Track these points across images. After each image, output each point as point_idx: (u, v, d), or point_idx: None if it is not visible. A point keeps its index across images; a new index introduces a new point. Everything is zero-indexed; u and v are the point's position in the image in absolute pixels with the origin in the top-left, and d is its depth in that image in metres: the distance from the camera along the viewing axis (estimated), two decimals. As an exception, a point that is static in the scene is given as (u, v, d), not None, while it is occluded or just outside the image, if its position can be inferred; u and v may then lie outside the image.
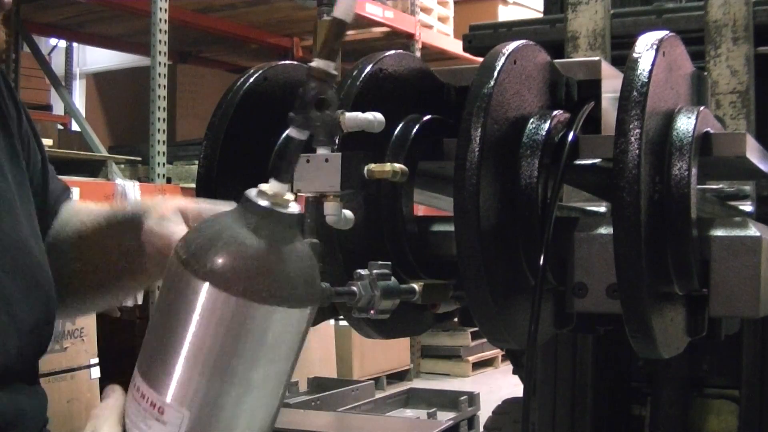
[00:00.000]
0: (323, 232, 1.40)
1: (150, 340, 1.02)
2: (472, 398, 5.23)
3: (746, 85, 2.08)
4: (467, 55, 2.89)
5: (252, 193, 1.01)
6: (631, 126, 1.31)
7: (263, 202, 0.99)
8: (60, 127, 8.46)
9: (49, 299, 1.33)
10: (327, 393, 5.24)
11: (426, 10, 8.40)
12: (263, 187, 1.01)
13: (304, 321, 1.01)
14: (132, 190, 5.09)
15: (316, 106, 1.07)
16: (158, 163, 5.37)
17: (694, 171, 1.42)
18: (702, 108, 1.51)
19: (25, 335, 1.26)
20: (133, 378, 1.02)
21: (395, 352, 7.35)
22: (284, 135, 1.09)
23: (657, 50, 1.39)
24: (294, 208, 1.01)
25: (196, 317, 0.96)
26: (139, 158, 5.64)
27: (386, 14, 7.65)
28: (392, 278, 1.35)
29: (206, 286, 0.96)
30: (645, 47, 1.40)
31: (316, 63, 1.08)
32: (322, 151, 1.37)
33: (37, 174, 1.48)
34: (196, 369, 0.97)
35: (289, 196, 1.02)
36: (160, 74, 5.38)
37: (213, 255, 0.96)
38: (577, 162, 1.54)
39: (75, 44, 10.07)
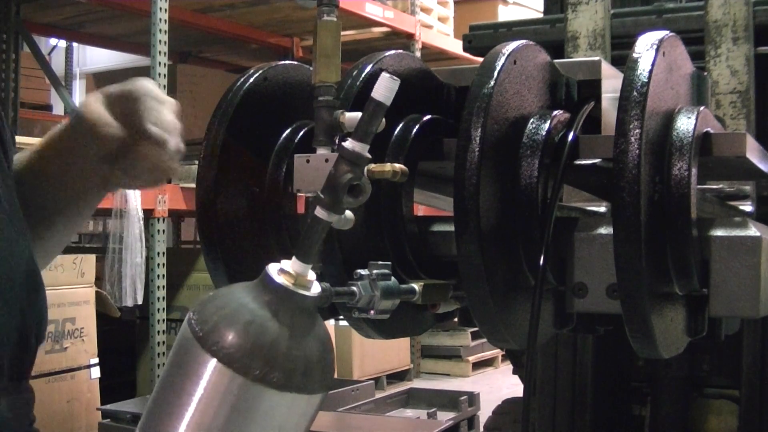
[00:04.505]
0: (323, 232, 1.40)
1: (155, 406, 1.00)
2: (472, 398, 5.23)
3: (746, 85, 2.08)
4: (467, 55, 2.89)
5: (273, 270, 0.99)
6: (631, 126, 1.31)
7: (285, 282, 0.98)
8: (60, 127, 8.46)
9: (32, 304, 1.32)
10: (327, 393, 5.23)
11: (426, 10, 8.40)
12: (285, 265, 0.99)
13: (314, 406, 1.00)
14: (132, 190, 5.08)
15: (349, 192, 1.04)
16: (158, 163, 5.35)
17: (694, 171, 1.42)
18: (702, 108, 1.51)
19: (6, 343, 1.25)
20: None
21: (395, 352, 7.35)
22: (311, 215, 1.05)
23: (657, 50, 1.39)
24: (315, 289, 1.00)
25: (205, 393, 0.95)
26: (139, 158, 5.62)
27: (386, 14, 7.65)
28: (392, 278, 1.35)
29: (220, 365, 0.94)
30: (645, 47, 1.40)
31: (350, 145, 1.05)
32: (322, 151, 1.37)
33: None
34: None
35: (311, 276, 1.00)
36: (160, 74, 5.38)
37: (230, 336, 0.95)
38: (577, 162, 1.54)
39: (75, 44, 10.08)
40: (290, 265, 0.99)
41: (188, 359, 0.97)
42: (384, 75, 1.06)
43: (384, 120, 1.42)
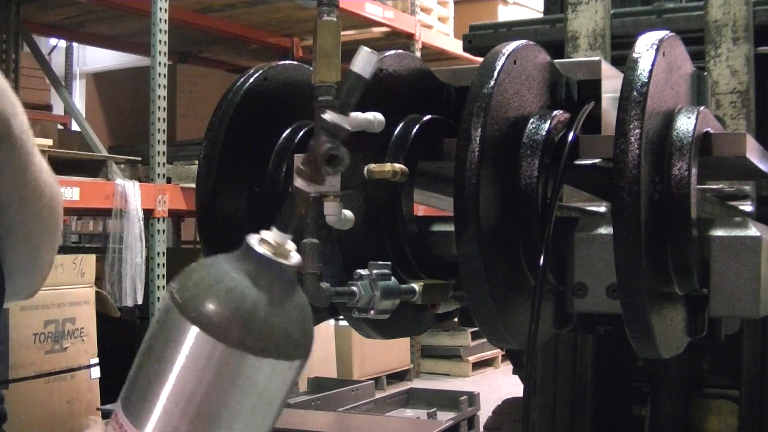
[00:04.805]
0: (323, 232, 1.40)
1: (136, 375, 1.01)
2: (472, 398, 5.23)
3: (746, 85, 2.08)
4: (467, 55, 2.90)
5: (254, 240, 1.00)
6: (631, 126, 1.31)
7: (264, 251, 0.99)
8: (60, 127, 8.46)
9: None
10: (327, 393, 5.23)
11: (426, 10, 8.39)
12: (265, 235, 1.01)
13: (293, 372, 1.01)
14: (132, 190, 5.08)
15: (327, 162, 1.06)
16: (158, 163, 5.36)
17: (694, 171, 1.42)
18: (702, 108, 1.51)
19: None
20: (115, 411, 1.02)
21: (395, 352, 7.34)
22: (292, 187, 1.07)
23: (657, 50, 1.39)
24: (294, 259, 1.01)
25: (185, 361, 0.96)
26: (139, 158, 5.63)
27: (386, 14, 7.65)
28: (392, 278, 1.35)
29: (200, 332, 0.95)
30: (645, 47, 1.40)
31: (329, 116, 1.07)
32: (322, 151, 1.37)
33: None
34: (179, 410, 0.96)
35: (291, 246, 1.01)
36: (160, 74, 5.38)
37: (210, 303, 0.96)
38: (577, 162, 1.54)
39: (75, 44, 10.07)
40: (270, 235, 1.00)
41: (168, 327, 0.98)
42: (362, 48, 1.08)
43: (384, 120, 1.42)
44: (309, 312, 1.03)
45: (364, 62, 1.07)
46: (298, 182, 1.06)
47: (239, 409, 0.97)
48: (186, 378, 0.96)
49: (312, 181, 1.06)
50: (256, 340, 0.95)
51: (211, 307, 0.96)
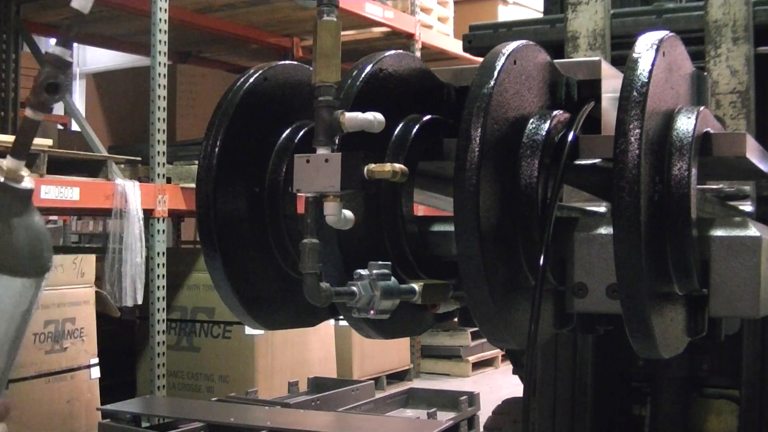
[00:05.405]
0: (323, 232, 1.40)
1: None
2: (472, 398, 5.22)
3: (746, 85, 2.08)
4: (467, 55, 2.89)
5: None
6: (631, 126, 1.31)
7: None
8: (60, 127, 8.47)
9: None
10: (327, 393, 5.23)
11: (426, 10, 8.39)
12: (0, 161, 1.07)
13: (30, 291, 1.06)
14: (132, 190, 5.08)
15: (47, 90, 1.14)
16: (158, 163, 5.36)
17: (694, 171, 1.42)
18: (702, 108, 1.51)
19: None
20: None
21: (395, 352, 7.34)
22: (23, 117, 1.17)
23: (657, 50, 1.39)
24: (28, 184, 1.08)
25: None
26: (139, 158, 5.63)
27: (386, 14, 7.65)
28: (392, 278, 1.35)
29: None
30: (645, 47, 1.40)
31: (52, 49, 1.17)
32: (322, 151, 1.37)
33: None
34: None
35: (24, 173, 1.08)
36: (160, 74, 5.38)
37: None
38: (577, 162, 1.54)
39: (75, 44, 10.06)
40: (4, 162, 1.07)
41: None
42: None
43: (384, 120, 1.42)
44: (44, 233, 1.10)
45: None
46: (27, 111, 1.15)
47: None
48: None
49: (36, 108, 1.14)
50: None
51: None
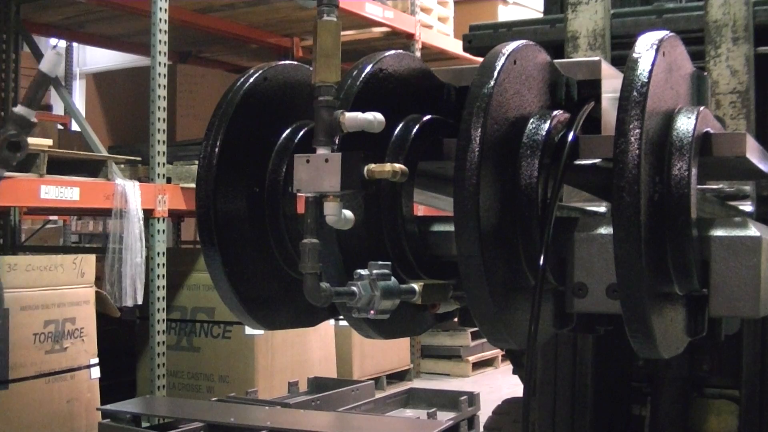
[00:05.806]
0: (323, 232, 1.40)
1: None
2: (472, 398, 5.22)
3: (746, 85, 2.08)
4: (467, 55, 2.89)
5: None
6: (631, 126, 1.31)
7: None
8: (60, 127, 8.47)
9: None
10: (327, 393, 5.23)
11: (426, 10, 8.39)
12: None
13: None
14: (132, 190, 5.08)
15: (8, 148, 1.21)
16: (158, 163, 5.36)
17: (694, 171, 1.42)
18: (702, 108, 1.51)
19: None
20: None
21: (395, 352, 7.34)
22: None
23: (657, 50, 1.39)
24: None
25: None
26: (139, 158, 5.63)
27: (386, 14, 7.65)
28: (392, 278, 1.35)
29: None
30: (645, 47, 1.40)
31: (18, 109, 1.22)
32: (322, 151, 1.37)
33: None
34: None
35: None
36: (160, 74, 5.38)
37: None
38: (577, 162, 1.54)
39: (75, 44, 10.07)
40: None
41: None
42: (49, 50, 1.22)
43: (384, 120, 1.42)
44: None
45: (49, 62, 1.19)
46: None
47: None
48: None
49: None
50: None
51: None
